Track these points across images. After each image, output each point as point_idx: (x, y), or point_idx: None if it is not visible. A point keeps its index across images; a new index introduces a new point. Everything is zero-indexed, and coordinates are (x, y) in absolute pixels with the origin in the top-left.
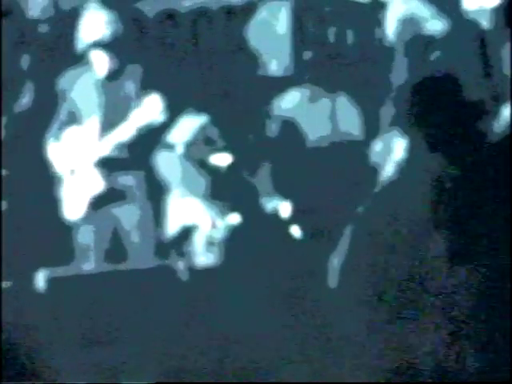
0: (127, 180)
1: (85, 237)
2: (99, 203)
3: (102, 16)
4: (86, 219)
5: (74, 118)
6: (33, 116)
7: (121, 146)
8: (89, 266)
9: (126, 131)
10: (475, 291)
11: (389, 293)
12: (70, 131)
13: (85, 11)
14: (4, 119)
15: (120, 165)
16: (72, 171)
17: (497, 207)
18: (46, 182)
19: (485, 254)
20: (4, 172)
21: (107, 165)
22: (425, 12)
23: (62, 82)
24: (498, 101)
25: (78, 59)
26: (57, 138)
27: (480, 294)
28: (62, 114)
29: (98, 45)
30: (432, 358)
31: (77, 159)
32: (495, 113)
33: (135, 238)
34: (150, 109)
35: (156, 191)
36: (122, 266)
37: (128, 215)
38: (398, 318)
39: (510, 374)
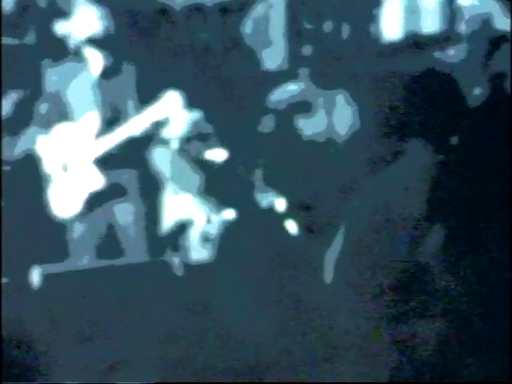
0: (122, 176)
1: (80, 233)
2: (94, 200)
3: (95, 12)
4: (81, 215)
5: (67, 115)
6: (29, 112)
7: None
8: (84, 261)
9: (135, 127)
10: (473, 288)
11: (384, 288)
12: (64, 128)
13: (76, 7)
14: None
15: (115, 161)
16: (66, 168)
17: (496, 204)
18: (41, 178)
19: (484, 250)
20: (3, 168)
21: (102, 161)
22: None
23: (54, 78)
24: None
25: (71, 55)
26: (50, 134)
27: (479, 291)
28: (55, 111)
29: (90, 41)
30: (430, 355)
31: (71, 156)
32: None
33: (130, 233)
34: (169, 105)
35: (151, 187)
36: (116, 262)
37: (123, 211)
38: (395, 314)
39: (510, 374)
